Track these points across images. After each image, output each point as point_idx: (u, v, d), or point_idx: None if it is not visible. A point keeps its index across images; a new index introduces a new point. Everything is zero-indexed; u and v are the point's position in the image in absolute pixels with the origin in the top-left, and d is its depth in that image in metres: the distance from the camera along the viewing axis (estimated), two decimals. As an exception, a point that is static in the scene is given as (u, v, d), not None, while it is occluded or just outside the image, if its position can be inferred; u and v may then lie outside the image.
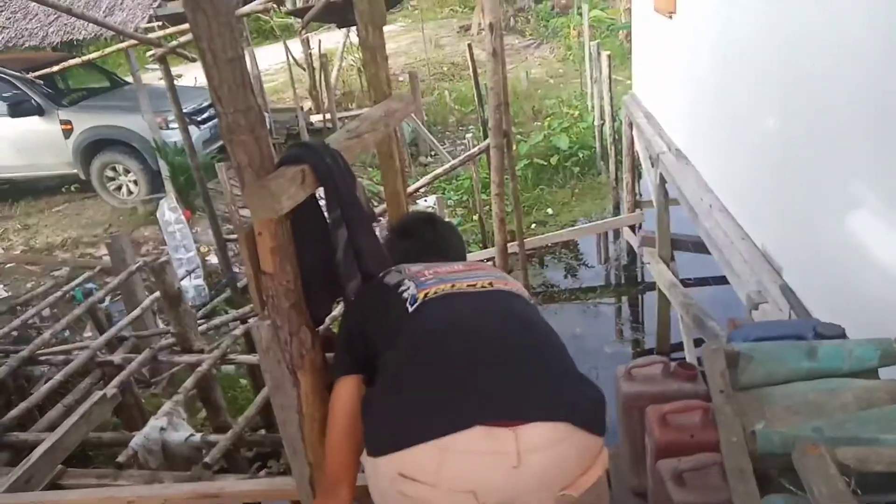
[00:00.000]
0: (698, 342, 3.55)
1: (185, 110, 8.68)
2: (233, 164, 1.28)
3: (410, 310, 1.32)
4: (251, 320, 1.56)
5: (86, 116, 8.05)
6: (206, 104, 8.52)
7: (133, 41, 3.81)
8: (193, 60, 4.18)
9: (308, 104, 11.23)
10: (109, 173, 8.13)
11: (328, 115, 10.78)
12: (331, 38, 11.71)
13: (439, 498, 1.11)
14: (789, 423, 1.41)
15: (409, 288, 1.37)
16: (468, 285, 1.37)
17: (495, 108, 3.58)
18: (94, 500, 2.29)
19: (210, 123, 8.53)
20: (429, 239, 1.65)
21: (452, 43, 15.10)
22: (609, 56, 6.56)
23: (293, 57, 10.65)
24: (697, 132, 3.79)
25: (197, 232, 7.65)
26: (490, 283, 1.39)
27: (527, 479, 1.11)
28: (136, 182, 8.17)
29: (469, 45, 6.63)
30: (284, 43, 10.76)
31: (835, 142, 2.15)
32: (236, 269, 7.23)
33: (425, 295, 1.33)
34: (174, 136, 8.19)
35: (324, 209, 1.45)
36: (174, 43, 3.85)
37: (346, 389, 1.37)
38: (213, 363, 3.51)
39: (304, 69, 11.43)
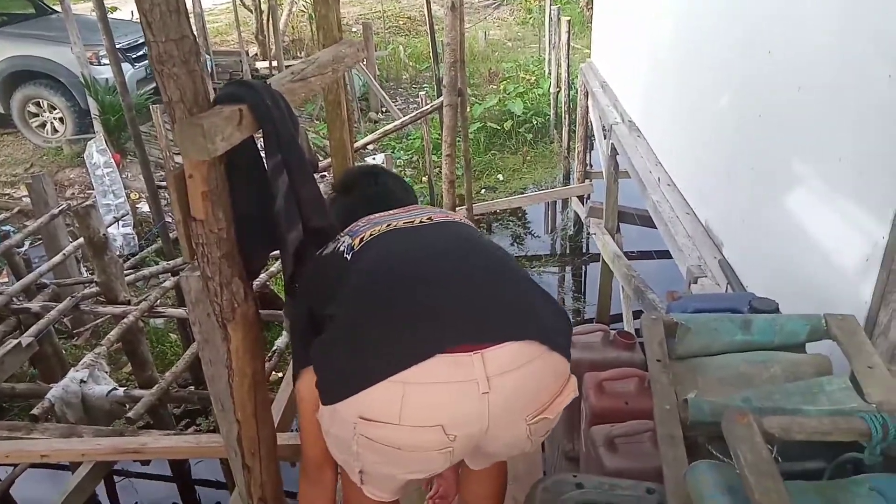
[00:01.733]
0: (637, 314, 3.62)
1: (118, 45, 8.18)
2: (163, 99, 1.18)
3: (348, 258, 1.24)
4: (182, 272, 1.46)
5: (6, 44, 7.43)
6: (141, 40, 8.01)
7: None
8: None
9: (254, 49, 10.77)
10: (32, 109, 7.57)
11: (275, 62, 10.37)
12: (280, -19, 11.17)
13: (405, 437, 1.05)
14: (720, 392, 1.44)
15: (343, 241, 1.30)
16: (405, 223, 1.29)
17: (451, 66, 3.49)
18: (3, 453, 2.17)
19: (146, 62, 8.04)
20: (370, 192, 1.53)
21: (409, -4, 14.70)
22: (569, 22, 6.50)
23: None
24: (652, 106, 3.80)
25: (127, 177, 7.29)
26: (429, 218, 1.31)
27: (499, 404, 1.06)
28: (61, 120, 7.66)
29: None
30: (229, -18, 10.22)
31: (781, 130, 2.18)
32: (168, 219, 6.96)
33: (360, 240, 1.26)
34: (106, 72, 7.69)
35: (262, 154, 1.36)
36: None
37: (313, 381, 1.21)
38: (139, 315, 3.36)
39: (252, 11, 10.92)
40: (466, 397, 1.04)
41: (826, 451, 1.23)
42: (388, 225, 1.29)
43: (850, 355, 1.44)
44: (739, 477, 1.10)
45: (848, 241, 1.76)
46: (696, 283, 2.68)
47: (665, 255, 4.60)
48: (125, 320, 3.27)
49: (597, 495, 1.23)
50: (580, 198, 6.20)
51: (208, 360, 1.52)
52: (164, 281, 4.51)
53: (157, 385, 2.84)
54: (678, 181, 3.35)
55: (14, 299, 3.46)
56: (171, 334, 4.71)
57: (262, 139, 1.31)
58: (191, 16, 8.41)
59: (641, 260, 4.78)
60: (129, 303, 3.59)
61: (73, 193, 7.06)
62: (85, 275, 4.57)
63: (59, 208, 4.35)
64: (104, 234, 3.46)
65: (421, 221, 1.30)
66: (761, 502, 1.01)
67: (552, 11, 8.48)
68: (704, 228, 2.93)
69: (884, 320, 1.58)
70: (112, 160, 6.77)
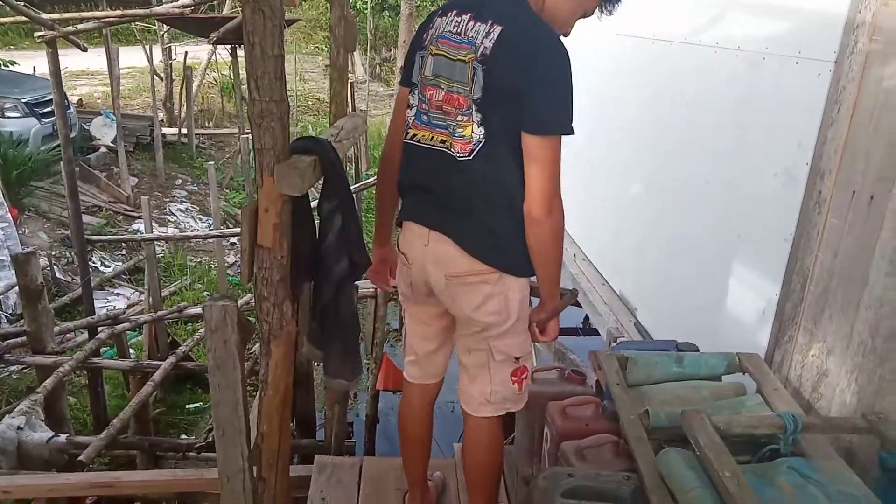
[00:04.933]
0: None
1: (25, 100, 7.96)
2: (254, 146, 1.44)
3: (407, 136, 1.72)
4: (206, 303, 1.66)
5: None
6: (48, 96, 7.84)
7: (21, 16, 3.53)
8: (84, 50, 3.98)
9: (161, 115, 10.72)
10: (-78, 156, 7.12)
11: (184, 129, 10.38)
12: (195, 52, 11.33)
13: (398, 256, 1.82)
14: (665, 409, 1.81)
15: (413, 107, 1.71)
16: (442, 140, 1.64)
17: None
18: (-39, 490, 2.10)
19: (52, 118, 7.85)
20: None
21: (317, 79, 15.28)
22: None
23: (152, 64, 10.17)
24: (564, 190, 4.37)
25: (24, 233, 6.94)
26: (459, 151, 1.61)
27: (429, 254, 1.69)
28: (-48, 170, 7.24)
29: (350, 85, 6.90)
30: (145, 48, 10.27)
31: (690, 213, 2.71)
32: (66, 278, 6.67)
33: (413, 136, 1.70)
34: (10, 125, 7.44)
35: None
36: (69, 29, 3.66)
37: None
38: (74, 366, 3.30)
39: (162, 79, 10.95)
40: (417, 244, 1.73)
41: (750, 448, 1.62)
42: (431, 134, 1.68)
43: (759, 381, 1.88)
44: (698, 459, 1.45)
45: (747, 299, 2.25)
46: (615, 342, 3.12)
47: (573, 332, 5.07)
48: (60, 370, 3.20)
49: (586, 481, 1.53)
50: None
51: (217, 384, 1.70)
52: (78, 336, 4.39)
53: (105, 430, 2.80)
54: (592, 258, 3.87)
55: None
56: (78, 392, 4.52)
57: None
58: (108, 81, 8.32)
59: (562, 336, 5.20)
60: (57, 354, 3.50)
61: (-38, 246, 6.60)
62: None
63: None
64: (41, 283, 3.41)
65: (441, 141, 1.66)
66: (719, 469, 1.36)
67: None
68: (619, 297, 3.41)
69: (778, 359, 2.04)
70: (9, 215, 6.47)
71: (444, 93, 1.62)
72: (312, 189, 1.61)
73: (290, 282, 1.59)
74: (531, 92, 1.51)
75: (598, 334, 3.51)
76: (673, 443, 1.63)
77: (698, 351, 2.11)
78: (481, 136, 1.58)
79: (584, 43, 4.12)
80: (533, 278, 1.74)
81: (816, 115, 1.87)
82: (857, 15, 1.72)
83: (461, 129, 1.60)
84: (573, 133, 1.56)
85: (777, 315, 2.05)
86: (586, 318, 5.28)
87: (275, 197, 1.45)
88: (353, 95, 7.89)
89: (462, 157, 1.60)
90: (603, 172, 3.77)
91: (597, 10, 1.74)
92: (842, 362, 1.76)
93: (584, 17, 1.75)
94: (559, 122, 1.53)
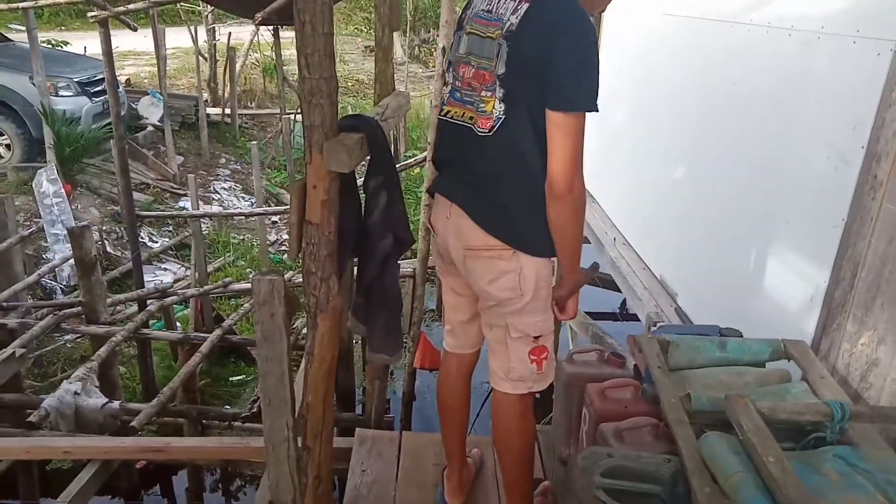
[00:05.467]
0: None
1: (77, 79, 8.18)
2: (304, 123, 1.46)
3: (441, 112, 1.81)
4: (253, 276, 1.70)
5: (-38, 68, 7.34)
6: (99, 75, 8.06)
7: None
8: (134, 30, 4.08)
9: (205, 95, 10.90)
10: (-23, 132, 7.42)
11: (227, 110, 10.55)
12: (238, 33, 11.48)
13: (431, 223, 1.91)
14: (707, 393, 1.79)
15: (449, 84, 1.79)
16: (469, 116, 1.69)
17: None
18: (23, 448, 2.22)
19: (104, 97, 8.06)
20: None
21: (356, 60, 15.32)
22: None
23: (197, 45, 10.34)
24: (604, 173, 4.32)
25: (77, 209, 7.19)
26: (480, 126, 1.65)
27: (450, 227, 1.77)
28: (8, 146, 7.52)
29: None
30: (190, 29, 10.44)
31: (733, 200, 2.65)
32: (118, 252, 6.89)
33: (447, 112, 1.77)
34: (63, 104, 7.67)
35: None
36: (120, 9, 3.76)
37: None
38: (126, 336, 3.43)
39: (206, 59, 11.12)
40: (441, 215, 1.82)
41: (795, 436, 1.60)
42: (460, 112, 1.73)
43: (805, 369, 1.85)
44: (741, 443, 1.44)
45: (793, 286, 2.20)
46: (655, 327, 3.09)
47: (611, 316, 5.03)
48: (113, 339, 3.33)
49: (626, 461, 1.53)
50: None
51: (265, 356, 1.75)
52: (128, 308, 4.55)
53: (156, 398, 2.92)
54: (632, 241, 3.83)
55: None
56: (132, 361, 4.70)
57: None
58: (155, 59, 8.51)
59: (600, 320, 5.19)
60: (110, 324, 3.64)
61: (18, 221, 6.88)
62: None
63: (30, 231, 4.34)
64: (94, 255, 3.54)
65: (469, 117, 1.69)
66: (763, 454, 1.35)
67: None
68: (659, 281, 3.37)
69: (825, 347, 2.00)
70: (63, 190, 6.70)
71: (473, 70, 1.68)
72: (358, 168, 1.64)
73: (337, 258, 1.62)
74: (554, 67, 1.51)
75: (637, 319, 3.49)
76: (715, 427, 1.61)
77: (742, 337, 2.08)
78: (502, 112, 1.61)
79: (630, 23, 4.05)
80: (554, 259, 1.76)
81: (874, 97, 1.81)
82: (923, -9, 1.65)
83: (484, 105, 1.64)
84: (597, 110, 1.56)
85: (825, 302, 2.01)
86: (623, 302, 5.25)
87: (323, 173, 1.48)
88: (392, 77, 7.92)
89: (482, 132, 1.64)
90: (645, 155, 3.71)
91: None
92: (893, 351, 1.72)
93: None
94: (582, 98, 1.53)
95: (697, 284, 3.00)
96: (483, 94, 1.64)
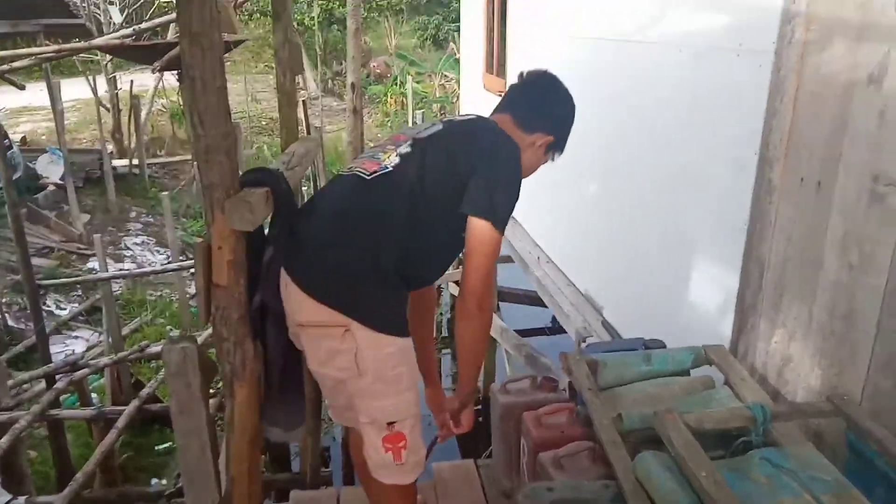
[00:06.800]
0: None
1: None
2: (202, 182, 1.40)
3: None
4: (165, 345, 1.61)
5: None
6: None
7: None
8: (22, 88, 3.85)
9: (109, 147, 10.47)
10: None
11: (135, 160, 10.15)
12: (141, 79, 11.11)
13: None
14: (637, 410, 1.82)
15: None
16: (359, 166, 1.61)
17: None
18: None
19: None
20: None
21: (269, 98, 15.11)
22: (434, 126, 7.21)
23: (97, 95, 9.93)
24: (523, 194, 4.39)
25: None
26: (366, 169, 1.57)
27: (286, 301, 1.55)
28: None
29: (303, 102, 6.82)
30: (88, 79, 10.03)
31: (652, 218, 2.74)
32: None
33: (339, 171, 1.69)
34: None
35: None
36: (3, 68, 3.54)
37: None
38: (32, 421, 3.16)
39: (109, 110, 10.70)
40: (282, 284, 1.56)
41: (724, 442, 1.63)
42: (350, 168, 1.66)
43: (726, 372, 1.90)
44: (673, 460, 1.46)
45: (708, 291, 2.29)
46: (584, 342, 3.13)
47: (539, 332, 5.09)
48: (16, 426, 3.07)
49: (566, 493, 1.52)
50: (456, 282, 6.66)
51: (183, 430, 1.65)
52: (35, 385, 4.24)
53: (68, 486, 2.69)
54: (556, 259, 3.89)
55: None
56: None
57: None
58: (51, 116, 8.10)
59: (530, 336, 5.24)
60: (10, 409, 3.37)
61: None
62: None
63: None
64: (-7, 333, 3.27)
65: (360, 170, 1.58)
66: (695, 469, 1.36)
67: (417, 115, 9.27)
68: (585, 297, 3.43)
69: (742, 349, 2.07)
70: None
71: (392, 136, 1.69)
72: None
73: (250, 318, 1.55)
74: (477, 171, 1.53)
75: (566, 332, 3.54)
76: (649, 444, 1.63)
77: (665, 347, 2.13)
78: (392, 164, 1.56)
79: (538, 49, 4.17)
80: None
81: (761, 106, 1.91)
82: (793, 5, 1.76)
83: (382, 153, 1.60)
84: (501, 229, 1.54)
85: (738, 304, 2.08)
86: (554, 317, 5.33)
87: (227, 233, 1.41)
88: (306, 112, 7.82)
89: (363, 174, 1.56)
90: (562, 175, 3.79)
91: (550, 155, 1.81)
92: (803, 347, 1.80)
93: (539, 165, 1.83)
94: (495, 208, 1.52)
95: (621, 297, 3.07)
96: (388, 146, 1.62)
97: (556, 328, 5.64)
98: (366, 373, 1.51)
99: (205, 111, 1.33)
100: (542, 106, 1.75)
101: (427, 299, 1.91)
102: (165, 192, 7.64)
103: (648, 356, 2.01)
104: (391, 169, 1.54)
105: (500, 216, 1.53)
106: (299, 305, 1.51)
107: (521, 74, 1.83)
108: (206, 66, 1.31)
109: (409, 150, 1.57)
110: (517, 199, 1.59)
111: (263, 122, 13.43)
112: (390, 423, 1.56)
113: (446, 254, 1.70)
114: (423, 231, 1.53)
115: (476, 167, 1.52)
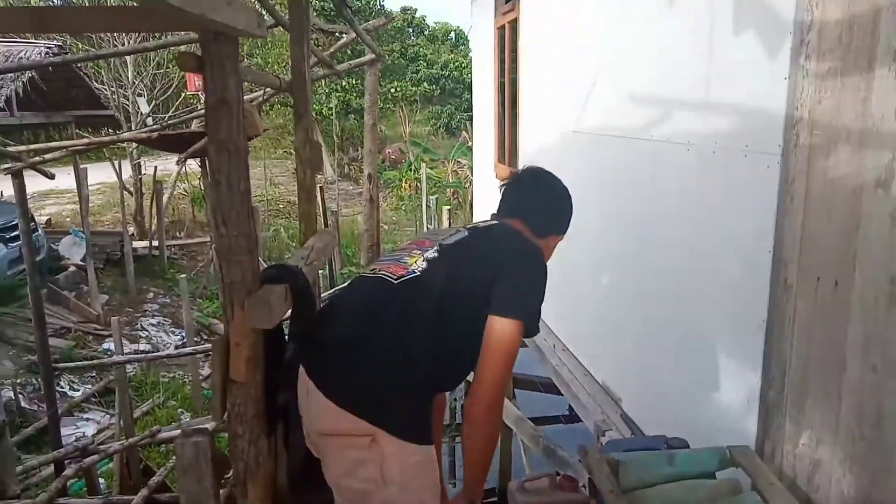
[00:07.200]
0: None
1: (-7, 226, 7.91)
2: (224, 280, 1.42)
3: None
4: (177, 439, 1.60)
5: None
6: (15, 220, 7.82)
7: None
8: (51, 178, 4.02)
9: (131, 229, 10.73)
10: None
11: (155, 242, 10.36)
12: (165, 164, 11.52)
13: None
14: (662, 516, 1.74)
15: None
16: (384, 269, 1.61)
17: (368, 248, 3.90)
18: None
19: (18, 243, 7.79)
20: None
21: (286, 182, 15.56)
22: (449, 211, 7.35)
23: (121, 180, 10.28)
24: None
25: (-15, 361, 6.72)
26: (393, 273, 1.58)
27: (307, 408, 1.52)
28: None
29: (321, 188, 7.03)
30: (114, 164, 10.41)
31: (666, 309, 2.73)
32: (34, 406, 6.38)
33: (371, 269, 1.68)
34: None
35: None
36: (36, 159, 3.71)
37: None
38: (38, 508, 3.09)
39: (132, 194, 11.04)
40: (301, 393, 1.53)
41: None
42: (374, 270, 1.65)
43: (754, 476, 1.83)
44: (702, 573, 1.39)
45: (731, 388, 2.23)
46: (603, 435, 3.05)
47: (554, 420, 4.96)
48: (22, 515, 3.00)
49: None
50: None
51: (193, 529, 1.61)
52: (44, 470, 4.17)
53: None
54: (572, 348, 3.85)
55: None
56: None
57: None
58: (77, 199, 8.37)
59: (546, 425, 5.11)
60: (18, 496, 3.30)
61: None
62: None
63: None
64: (4, 421, 3.26)
65: (387, 273, 1.58)
66: (726, 586, 1.29)
67: (430, 200, 9.47)
68: (602, 387, 3.37)
69: (769, 450, 2.00)
70: (-27, 343, 6.28)
71: (417, 241, 1.72)
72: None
73: (266, 416, 1.54)
74: (506, 272, 1.55)
75: (581, 420, 3.45)
76: (675, 553, 1.56)
77: (688, 446, 2.07)
78: (419, 269, 1.56)
79: (550, 139, 4.30)
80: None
81: (771, 205, 1.93)
82: (795, 112, 1.82)
83: (408, 258, 1.61)
84: (535, 329, 1.60)
85: (761, 403, 2.03)
86: (570, 406, 5.21)
87: (247, 331, 1.43)
88: (323, 197, 8.03)
89: (390, 278, 1.56)
90: (577, 263, 3.82)
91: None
92: (832, 451, 1.73)
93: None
94: (524, 310, 1.54)
95: (639, 390, 3.01)
96: (414, 251, 1.63)
97: (572, 416, 5.51)
98: (391, 483, 1.46)
99: (228, 212, 1.38)
100: (552, 212, 1.84)
101: (439, 401, 1.89)
102: (183, 275, 7.75)
103: (671, 457, 1.95)
104: (419, 274, 1.55)
105: (531, 317, 1.56)
106: (323, 413, 1.47)
107: (516, 174, 1.89)
108: (231, 170, 1.37)
109: (436, 255, 1.59)
110: (543, 301, 1.60)
111: (281, 206, 13.77)
112: None
113: (470, 359, 1.65)
114: (450, 336, 1.52)
115: (503, 271, 1.54)
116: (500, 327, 1.50)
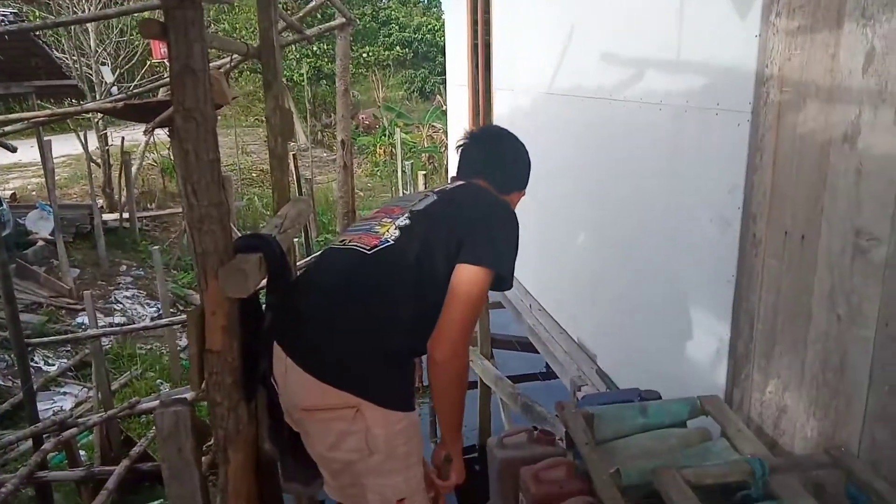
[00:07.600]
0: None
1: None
2: (196, 250, 1.41)
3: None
4: (157, 409, 1.60)
5: None
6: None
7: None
8: (13, 151, 3.89)
9: (100, 202, 10.50)
10: None
11: (126, 214, 10.17)
12: (132, 135, 11.24)
13: None
14: (635, 465, 1.81)
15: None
16: (355, 240, 1.61)
17: (344, 216, 3.88)
18: None
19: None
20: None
21: (259, 150, 15.29)
22: (425, 176, 7.32)
23: (88, 152, 10.02)
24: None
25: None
26: (365, 244, 1.57)
27: (287, 383, 1.52)
28: None
29: (293, 156, 6.92)
30: (80, 136, 10.12)
31: (640, 263, 2.77)
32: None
33: (340, 240, 1.66)
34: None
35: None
36: (-4, 130, 3.59)
37: None
38: (19, 483, 3.09)
39: (99, 165, 10.77)
40: (278, 370, 1.54)
41: (722, 498, 1.62)
42: (343, 241, 1.64)
43: (723, 424, 1.90)
44: (674, 517, 1.45)
45: (701, 340, 2.30)
46: (579, 391, 3.12)
47: (532, 377, 5.07)
48: (2, 490, 3.00)
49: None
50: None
51: (175, 495, 1.63)
52: (22, 445, 4.15)
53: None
54: (548, 308, 3.91)
55: None
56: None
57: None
58: (42, 173, 8.16)
59: (523, 382, 5.21)
60: (-3, 471, 3.29)
61: None
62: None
63: None
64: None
65: (355, 243, 1.58)
66: (696, 528, 1.35)
67: (406, 165, 9.40)
68: (578, 345, 3.44)
69: (737, 398, 2.08)
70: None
71: (386, 208, 1.71)
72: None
73: (243, 383, 1.54)
74: (477, 226, 1.56)
75: (557, 377, 3.53)
76: (648, 499, 1.62)
77: (660, 398, 2.13)
78: (392, 237, 1.55)
79: (524, 101, 4.28)
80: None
81: (741, 162, 1.96)
82: (765, 69, 1.84)
83: (378, 227, 1.61)
84: (508, 283, 1.59)
85: (731, 354, 2.10)
86: (547, 363, 5.32)
87: (221, 300, 1.42)
88: (296, 164, 7.93)
89: (362, 249, 1.55)
90: (553, 224, 3.85)
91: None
92: (798, 397, 1.80)
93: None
94: (497, 259, 1.54)
95: (614, 346, 3.08)
96: (384, 220, 1.62)
97: (549, 373, 5.62)
98: (377, 451, 1.49)
99: (198, 182, 1.36)
100: (514, 168, 1.85)
101: None
102: (155, 246, 7.64)
103: (644, 408, 2.01)
104: (392, 242, 1.55)
105: (503, 267, 1.55)
106: (304, 390, 1.47)
107: (472, 134, 1.89)
108: (199, 139, 1.34)
109: (407, 222, 1.58)
110: (517, 253, 1.61)
111: (254, 175, 13.56)
112: (400, 501, 1.55)
113: None
114: (429, 300, 1.52)
115: (475, 226, 1.55)
116: (467, 274, 1.49)
